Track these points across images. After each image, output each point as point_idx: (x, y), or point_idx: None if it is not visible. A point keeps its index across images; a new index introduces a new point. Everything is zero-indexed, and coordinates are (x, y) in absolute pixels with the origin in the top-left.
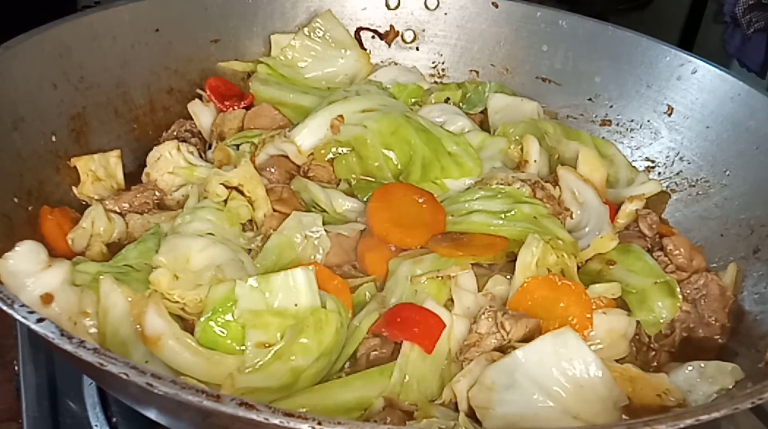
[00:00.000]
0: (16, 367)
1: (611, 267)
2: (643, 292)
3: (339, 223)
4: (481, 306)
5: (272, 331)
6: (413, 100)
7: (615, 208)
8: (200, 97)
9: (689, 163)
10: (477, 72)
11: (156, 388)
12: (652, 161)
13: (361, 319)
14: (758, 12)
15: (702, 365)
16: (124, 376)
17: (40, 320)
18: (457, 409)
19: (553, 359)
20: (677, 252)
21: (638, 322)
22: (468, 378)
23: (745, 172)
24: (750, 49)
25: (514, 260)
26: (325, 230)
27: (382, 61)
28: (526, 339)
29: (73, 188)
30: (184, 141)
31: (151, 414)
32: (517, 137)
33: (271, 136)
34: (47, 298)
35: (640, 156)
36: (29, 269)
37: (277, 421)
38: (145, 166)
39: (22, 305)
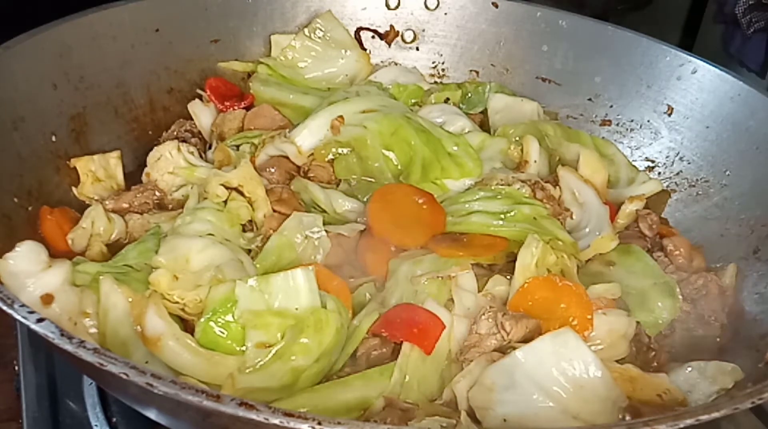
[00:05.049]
0: (16, 367)
1: (611, 267)
2: (643, 292)
3: (339, 224)
4: (482, 306)
5: (272, 331)
6: (413, 100)
7: (615, 209)
8: (200, 97)
9: (689, 163)
10: (477, 72)
11: (156, 388)
12: (652, 161)
13: (361, 319)
14: (758, 12)
15: (702, 365)
16: (124, 376)
17: (40, 320)
18: (457, 409)
19: (553, 359)
20: (677, 252)
21: (638, 323)
22: (468, 378)
23: (745, 172)
24: (750, 49)
25: (514, 261)
26: (325, 231)
27: (382, 62)
28: (526, 339)
29: (73, 188)
30: (184, 141)
31: (151, 414)
32: (517, 138)
33: (271, 137)
34: (47, 299)
35: (640, 156)
36: (29, 269)
37: (277, 421)
38: (145, 166)
39: (22, 305)
